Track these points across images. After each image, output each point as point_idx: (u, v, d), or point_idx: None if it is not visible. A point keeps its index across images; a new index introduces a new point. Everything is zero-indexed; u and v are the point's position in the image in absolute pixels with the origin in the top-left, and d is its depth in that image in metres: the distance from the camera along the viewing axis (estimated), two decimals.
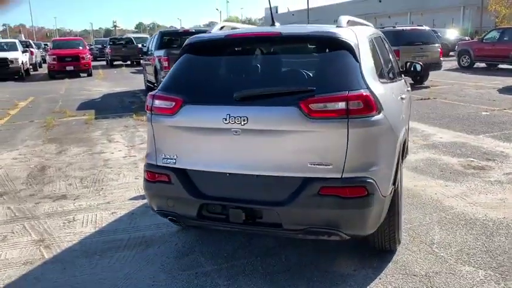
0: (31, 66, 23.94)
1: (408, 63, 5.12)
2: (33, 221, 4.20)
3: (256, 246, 3.52)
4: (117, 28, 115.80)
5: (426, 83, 14.24)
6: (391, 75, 3.80)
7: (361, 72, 2.80)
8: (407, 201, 4.39)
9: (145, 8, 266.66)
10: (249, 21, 73.97)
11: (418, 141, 6.83)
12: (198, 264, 3.30)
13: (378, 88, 2.93)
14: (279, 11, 69.04)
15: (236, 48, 3.12)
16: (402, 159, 3.74)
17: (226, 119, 2.73)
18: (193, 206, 2.91)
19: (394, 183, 2.98)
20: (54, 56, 20.28)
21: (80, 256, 3.49)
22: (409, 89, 5.43)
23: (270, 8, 3.37)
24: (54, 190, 5.08)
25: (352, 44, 2.89)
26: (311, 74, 2.88)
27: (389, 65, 3.99)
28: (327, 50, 2.89)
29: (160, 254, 3.49)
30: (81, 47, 21.73)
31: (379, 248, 3.25)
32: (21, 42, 23.95)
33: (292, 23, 60.22)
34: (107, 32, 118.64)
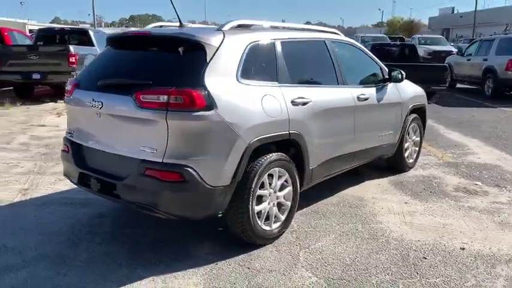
0: None
1: (391, 72, 4.92)
2: (38, 176, 5.31)
3: (154, 222, 3.93)
4: None
5: None
6: (299, 80, 3.84)
7: (204, 73, 3.07)
8: (342, 209, 4.34)
9: (311, 7, 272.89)
10: (411, 23, 70.01)
11: (446, 158, 6.29)
12: (100, 225, 3.92)
13: (227, 89, 3.15)
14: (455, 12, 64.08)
15: (123, 44, 3.64)
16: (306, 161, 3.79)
17: (91, 103, 3.30)
18: (76, 173, 3.56)
19: (234, 177, 3.16)
20: None
21: (33, 204, 4.40)
22: (378, 96, 4.76)
23: (174, 8, 3.77)
24: None
25: (206, 47, 3.17)
26: (161, 70, 3.24)
27: (305, 71, 4.03)
28: (183, 50, 3.22)
29: (86, 213, 4.20)
30: None
31: (236, 237, 3.45)
32: None
33: (459, 25, 55.30)
34: None
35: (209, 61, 3.13)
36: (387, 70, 4.95)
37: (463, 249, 3.56)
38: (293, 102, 3.61)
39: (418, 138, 5.78)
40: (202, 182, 3.03)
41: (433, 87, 11.80)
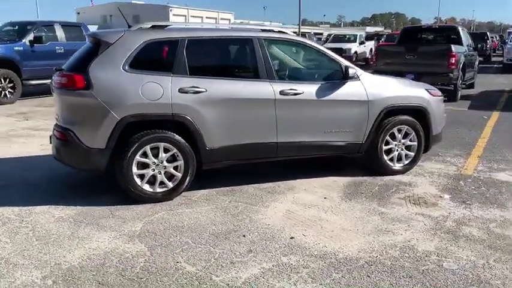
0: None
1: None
2: None
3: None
4: None
5: None
6: (200, 73, 4.46)
7: (91, 62, 4.17)
8: (256, 193, 4.74)
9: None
10: None
11: (467, 171, 5.59)
12: (78, 174, 5.42)
13: (107, 75, 4.16)
14: None
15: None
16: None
17: (52, 82, 4.79)
18: None
19: (108, 143, 4.16)
20: None
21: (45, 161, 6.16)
22: (324, 92, 4.80)
23: (123, 15, 4.85)
24: None
25: (102, 43, 4.26)
26: (76, 59, 4.45)
27: (211, 65, 4.60)
28: (91, 45, 4.39)
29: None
30: None
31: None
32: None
33: None
34: None
35: (100, 53, 4.22)
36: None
37: (292, 238, 3.69)
38: (181, 90, 4.32)
39: (414, 143, 5.37)
40: (80, 143, 4.17)
41: None
